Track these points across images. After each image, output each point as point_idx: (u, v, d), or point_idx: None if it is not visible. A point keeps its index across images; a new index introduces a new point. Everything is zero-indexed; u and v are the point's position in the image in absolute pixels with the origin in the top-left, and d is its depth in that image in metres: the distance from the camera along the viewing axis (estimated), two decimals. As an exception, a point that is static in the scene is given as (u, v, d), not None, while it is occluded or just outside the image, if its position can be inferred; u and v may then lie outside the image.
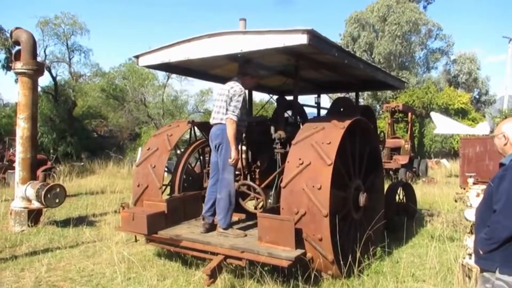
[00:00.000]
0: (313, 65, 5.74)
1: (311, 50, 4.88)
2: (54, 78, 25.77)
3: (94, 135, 29.22)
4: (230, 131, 5.06)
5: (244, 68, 5.38)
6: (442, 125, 19.13)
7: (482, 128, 17.96)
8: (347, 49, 5.54)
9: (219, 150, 5.22)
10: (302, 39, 4.33)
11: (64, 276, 5.38)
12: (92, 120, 29.18)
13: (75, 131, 25.12)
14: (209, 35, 5.02)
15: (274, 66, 5.87)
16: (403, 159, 17.58)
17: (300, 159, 4.71)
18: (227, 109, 5.13)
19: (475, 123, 25.17)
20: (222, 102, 5.20)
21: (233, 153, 5.09)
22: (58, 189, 8.10)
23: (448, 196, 11.41)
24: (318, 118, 6.14)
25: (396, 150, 18.39)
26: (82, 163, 20.99)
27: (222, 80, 6.96)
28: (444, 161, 24.67)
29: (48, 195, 7.85)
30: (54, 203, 8.04)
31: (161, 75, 27.61)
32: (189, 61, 5.34)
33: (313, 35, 4.39)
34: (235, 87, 5.17)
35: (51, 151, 22.93)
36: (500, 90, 38.77)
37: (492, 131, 17.55)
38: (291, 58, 5.41)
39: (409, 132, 20.17)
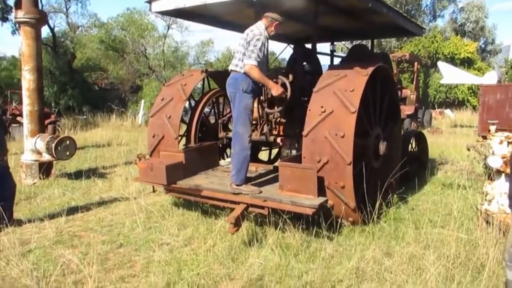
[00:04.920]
0: (333, 11, 5.50)
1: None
2: (52, 30, 25.10)
3: (95, 88, 28.84)
4: (256, 76, 4.72)
5: (270, 12, 4.94)
6: (449, 74, 18.88)
7: (490, 78, 17.70)
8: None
9: (233, 100, 4.92)
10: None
11: (85, 226, 5.43)
12: (92, 72, 28.70)
13: (76, 84, 24.78)
14: (226, -22, 4.77)
15: (291, 13, 5.62)
16: (409, 110, 17.46)
17: (322, 107, 4.60)
18: (244, 54, 4.77)
19: (481, 73, 24.87)
20: (240, 47, 4.85)
21: (273, 89, 4.96)
22: (68, 142, 8.05)
23: (456, 145, 11.42)
24: (339, 66, 5.96)
25: (402, 100, 18.21)
26: (85, 117, 20.87)
27: (237, 27, 6.73)
28: (448, 111, 24.58)
29: (59, 148, 7.81)
30: (65, 155, 8.01)
31: (160, 25, 26.97)
32: (204, 6, 5.11)
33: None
34: (254, 30, 4.80)
35: (53, 104, 22.73)
36: (506, 39, 37.97)
37: (499, 81, 17.32)
38: (310, 3, 5.18)
39: (415, 82, 19.91)
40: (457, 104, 27.45)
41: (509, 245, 3.00)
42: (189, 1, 5.06)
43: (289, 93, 5.21)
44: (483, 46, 36.13)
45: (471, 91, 26.77)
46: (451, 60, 27.30)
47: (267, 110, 5.52)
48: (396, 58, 19.75)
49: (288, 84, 5.20)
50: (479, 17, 33.87)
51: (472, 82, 19.28)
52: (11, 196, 5.41)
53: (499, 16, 61.47)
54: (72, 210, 6.03)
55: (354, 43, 10.77)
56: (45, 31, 25.55)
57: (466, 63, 28.42)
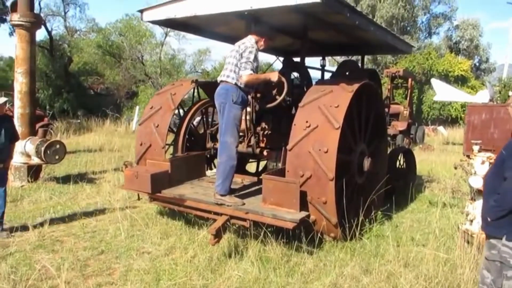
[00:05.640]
0: (322, 26, 5.57)
1: (322, 10, 4.72)
2: (49, 33, 25.08)
3: (91, 93, 28.81)
4: (254, 79, 4.92)
5: (259, 27, 5.11)
6: (442, 92, 19.01)
7: (482, 96, 17.81)
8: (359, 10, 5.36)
9: (222, 110, 4.95)
10: (316, -2, 4.17)
11: (68, 231, 5.43)
12: (88, 77, 28.66)
13: (71, 88, 24.74)
14: (217, -10, 4.83)
15: (281, 26, 5.70)
16: (401, 125, 17.54)
17: (307, 121, 4.66)
18: (236, 65, 4.85)
19: (474, 91, 25.05)
20: (232, 58, 4.92)
21: (272, 76, 5.13)
22: (58, 146, 8.06)
23: (446, 163, 11.50)
24: (326, 81, 6.03)
25: (395, 116, 18.31)
26: (79, 121, 20.81)
27: (226, 38, 6.80)
28: (441, 128, 24.69)
29: (48, 152, 7.81)
30: (54, 159, 8.01)
31: (158, 32, 27.08)
32: (195, 17, 5.17)
33: (326, -6, 4.23)
34: (246, 43, 4.91)
35: (47, 107, 22.68)
36: (500, 58, 38.40)
37: (491, 99, 17.46)
38: (300, 18, 5.25)
39: (408, 98, 20.01)
40: (450, 121, 27.61)
41: (481, 268, 3.03)
42: (180, 12, 5.12)
43: (285, 88, 5.31)
44: (477, 64, 36.40)
45: (464, 109, 26.96)
46: (445, 77, 27.51)
47: (269, 105, 5.53)
48: (390, 74, 19.88)
49: (283, 78, 5.32)
50: (474, 36, 34.17)
51: (464, 100, 19.40)
52: (1, 205, 5.33)
53: (494, 35, 62.25)
54: (56, 215, 6.03)
55: (349, 58, 10.87)
56: (42, 34, 25.64)
57: (460, 81, 28.64)
